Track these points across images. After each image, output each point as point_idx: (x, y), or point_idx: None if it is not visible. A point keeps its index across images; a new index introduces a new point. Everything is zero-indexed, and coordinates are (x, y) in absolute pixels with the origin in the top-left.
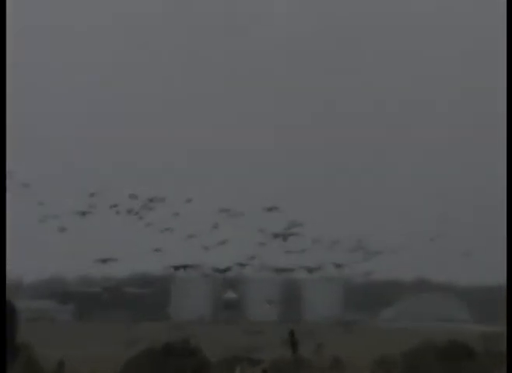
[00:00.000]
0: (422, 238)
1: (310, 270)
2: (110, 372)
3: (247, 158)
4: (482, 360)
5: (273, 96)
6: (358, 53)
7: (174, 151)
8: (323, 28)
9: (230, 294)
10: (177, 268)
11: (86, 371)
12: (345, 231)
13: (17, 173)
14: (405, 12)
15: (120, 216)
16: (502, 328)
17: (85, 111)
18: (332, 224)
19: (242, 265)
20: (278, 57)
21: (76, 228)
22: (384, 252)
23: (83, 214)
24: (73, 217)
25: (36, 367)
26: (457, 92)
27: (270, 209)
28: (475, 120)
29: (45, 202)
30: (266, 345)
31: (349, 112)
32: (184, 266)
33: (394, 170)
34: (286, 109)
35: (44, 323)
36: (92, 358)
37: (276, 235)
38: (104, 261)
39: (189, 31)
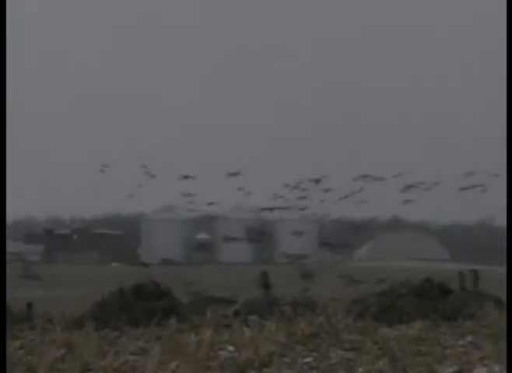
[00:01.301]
0: None
1: (284, 209)
2: (79, 313)
3: None
4: (458, 298)
5: None
6: None
7: None
8: None
9: (202, 235)
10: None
11: (56, 313)
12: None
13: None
14: None
15: None
16: (477, 266)
17: None
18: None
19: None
20: None
21: None
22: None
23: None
24: None
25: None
26: None
27: None
28: None
29: None
30: (238, 286)
31: None
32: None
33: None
34: None
35: (13, 265)
36: (61, 300)
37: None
38: None
39: None
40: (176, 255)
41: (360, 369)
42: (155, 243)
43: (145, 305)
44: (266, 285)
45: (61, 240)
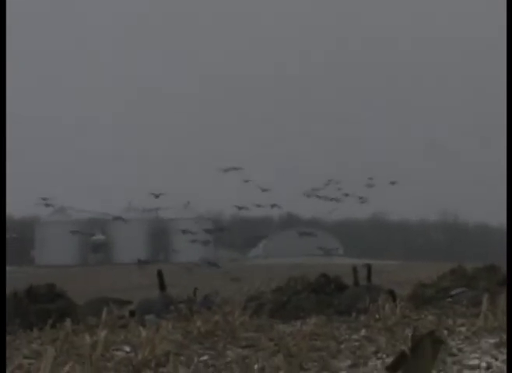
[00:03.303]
0: None
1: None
2: None
3: None
4: (352, 293)
5: None
6: None
7: None
8: None
9: (98, 236)
10: None
11: None
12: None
13: None
14: None
15: None
16: (370, 261)
17: None
18: None
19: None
20: None
21: None
22: None
23: None
24: None
25: None
26: None
27: None
28: None
29: None
30: (134, 286)
31: None
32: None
33: None
34: None
35: None
36: None
37: None
38: None
39: None
40: (71, 256)
41: (256, 366)
42: (49, 245)
43: (39, 308)
44: (161, 284)
45: None
